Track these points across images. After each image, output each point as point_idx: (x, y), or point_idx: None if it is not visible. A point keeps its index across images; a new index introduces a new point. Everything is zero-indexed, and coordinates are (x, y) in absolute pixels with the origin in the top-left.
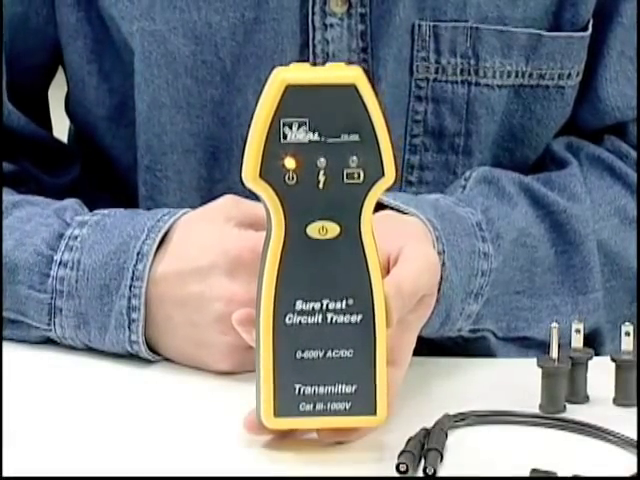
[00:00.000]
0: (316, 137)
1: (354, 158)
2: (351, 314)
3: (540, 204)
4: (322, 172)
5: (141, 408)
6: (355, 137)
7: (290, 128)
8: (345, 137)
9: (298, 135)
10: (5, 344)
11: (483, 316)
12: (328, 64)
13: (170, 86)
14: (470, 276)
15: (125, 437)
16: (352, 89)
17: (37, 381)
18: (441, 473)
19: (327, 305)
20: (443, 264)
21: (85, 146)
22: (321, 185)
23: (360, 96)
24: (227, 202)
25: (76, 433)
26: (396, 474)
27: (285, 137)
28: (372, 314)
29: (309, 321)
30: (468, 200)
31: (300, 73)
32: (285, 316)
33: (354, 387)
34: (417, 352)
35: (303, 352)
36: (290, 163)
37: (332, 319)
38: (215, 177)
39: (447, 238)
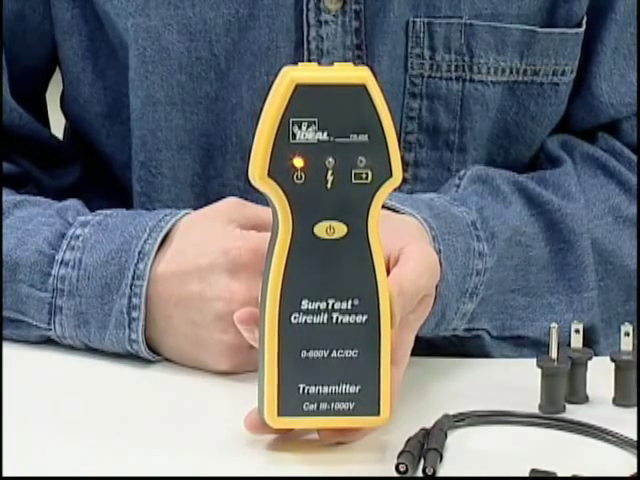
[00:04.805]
0: (325, 137)
1: (362, 158)
2: (356, 314)
3: (534, 203)
4: (330, 172)
5: (141, 408)
6: (364, 137)
7: (299, 127)
8: (354, 137)
9: (307, 135)
10: (5, 344)
11: (478, 315)
12: (336, 64)
13: (164, 82)
14: (465, 275)
15: (125, 437)
16: (362, 89)
17: (37, 381)
18: (440, 473)
19: (333, 305)
20: (440, 264)
21: (80, 143)
22: (329, 185)
23: (369, 96)
24: (230, 204)
25: (76, 433)
26: (396, 474)
27: (294, 136)
28: (377, 315)
29: (314, 321)
30: (463, 199)
31: (309, 72)
32: (291, 315)
33: (358, 387)
34: (413, 352)
35: (308, 352)
36: (299, 162)
37: (337, 319)
38: (209, 174)
39: (443, 238)
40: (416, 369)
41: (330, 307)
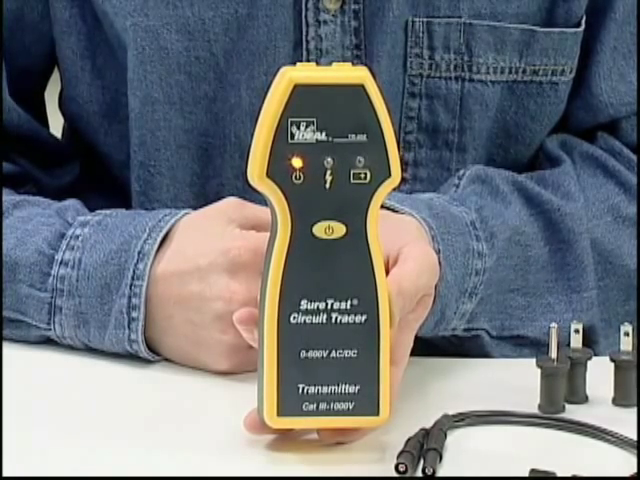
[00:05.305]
0: (323, 137)
1: (361, 158)
2: (356, 314)
3: (534, 202)
4: (329, 172)
5: (141, 408)
6: (362, 137)
7: (298, 127)
8: (352, 137)
9: (306, 135)
10: (5, 344)
11: (477, 315)
12: (335, 64)
13: (163, 82)
14: (464, 275)
15: (125, 437)
16: (360, 89)
17: (37, 381)
18: (440, 473)
19: (332, 305)
20: (439, 264)
21: (78, 143)
22: (328, 185)
23: (368, 96)
24: (230, 204)
25: (76, 433)
26: (395, 474)
27: (292, 136)
28: (377, 314)
29: (314, 321)
30: (462, 199)
31: (308, 73)
32: (290, 315)
33: (357, 387)
34: (412, 352)
35: (307, 352)
36: (297, 162)
37: (337, 319)
38: (208, 173)
39: (442, 237)
40: (416, 369)
41: (329, 307)
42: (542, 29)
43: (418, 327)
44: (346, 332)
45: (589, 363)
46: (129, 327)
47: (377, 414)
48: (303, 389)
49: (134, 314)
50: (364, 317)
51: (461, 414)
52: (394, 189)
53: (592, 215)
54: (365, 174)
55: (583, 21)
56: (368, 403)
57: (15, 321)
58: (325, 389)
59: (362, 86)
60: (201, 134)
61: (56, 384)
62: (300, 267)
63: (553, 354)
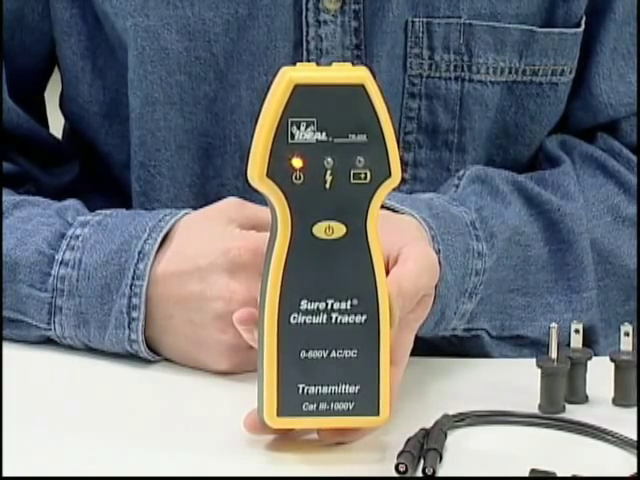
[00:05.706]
0: (324, 137)
1: (361, 158)
2: (356, 314)
3: (533, 202)
4: (329, 172)
5: (141, 408)
6: (362, 137)
7: (298, 128)
8: (352, 137)
9: (306, 135)
10: (5, 344)
11: (477, 315)
12: (335, 64)
13: (163, 82)
14: (464, 275)
15: (125, 437)
16: (360, 89)
17: (37, 381)
18: (440, 473)
19: (332, 305)
20: (439, 264)
21: (79, 143)
22: (328, 185)
23: (368, 96)
24: (230, 204)
25: (76, 433)
26: (395, 474)
27: (293, 137)
28: (377, 315)
29: (314, 321)
30: (462, 199)
31: (308, 73)
32: (290, 316)
33: (357, 387)
34: (412, 352)
35: (307, 352)
36: (297, 163)
37: (337, 319)
38: (208, 174)
39: (442, 237)
40: (416, 369)
41: (329, 307)
42: (542, 29)
43: (418, 327)
44: (346, 332)
45: (589, 363)
46: (129, 327)
47: (377, 414)
48: (303, 389)
49: (134, 314)
50: (364, 317)
51: (461, 414)
52: (394, 189)
53: (592, 215)
54: (365, 174)
55: (583, 21)
56: (368, 403)
57: (15, 321)
58: (325, 389)
59: (362, 86)
60: (201, 134)
61: (56, 384)
62: (300, 267)
63: (553, 354)
